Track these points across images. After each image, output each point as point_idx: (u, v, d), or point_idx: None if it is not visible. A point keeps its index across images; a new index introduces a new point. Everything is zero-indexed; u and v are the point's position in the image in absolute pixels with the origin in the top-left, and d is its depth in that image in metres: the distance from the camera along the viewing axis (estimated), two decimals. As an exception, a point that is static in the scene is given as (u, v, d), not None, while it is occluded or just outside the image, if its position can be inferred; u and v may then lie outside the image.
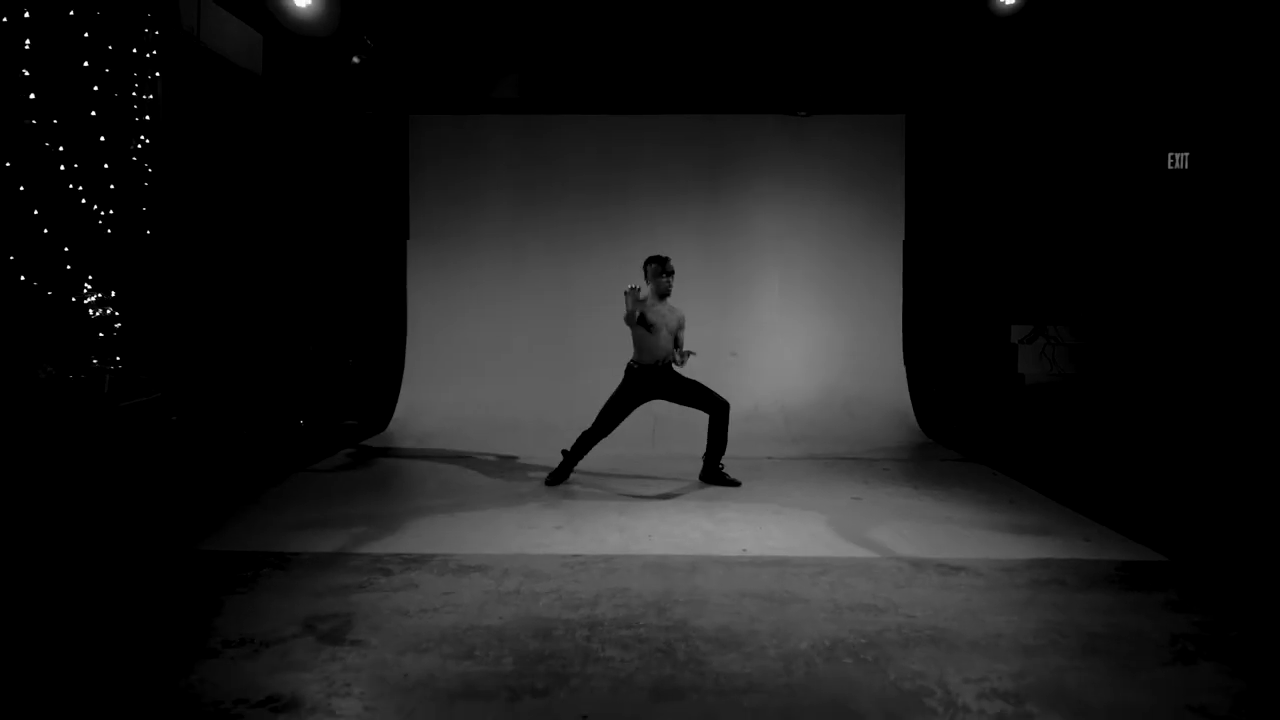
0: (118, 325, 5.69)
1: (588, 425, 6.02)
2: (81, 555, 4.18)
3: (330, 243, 8.91)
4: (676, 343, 5.96)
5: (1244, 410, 7.41)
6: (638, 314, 5.68)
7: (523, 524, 4.89)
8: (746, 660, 3.01)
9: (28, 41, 4.98)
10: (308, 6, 7.50)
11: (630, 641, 3.16)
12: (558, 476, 5.99)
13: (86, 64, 5.50)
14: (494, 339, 8.85)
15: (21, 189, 5.00)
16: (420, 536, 4.63)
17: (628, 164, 8.93)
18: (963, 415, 8.73)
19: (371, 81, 8.53)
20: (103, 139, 5.67)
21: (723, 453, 6.08)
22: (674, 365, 5.91)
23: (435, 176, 8.97)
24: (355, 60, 8.02)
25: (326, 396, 8.83)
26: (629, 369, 5.97)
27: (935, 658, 3.03)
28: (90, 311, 5.55)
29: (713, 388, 6.10)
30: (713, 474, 6.06)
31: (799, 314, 8.90)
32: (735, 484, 5.98)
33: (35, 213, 5.08)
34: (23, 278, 5.05)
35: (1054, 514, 5.18)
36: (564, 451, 6.02)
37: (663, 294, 5.95)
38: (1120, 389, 8.46)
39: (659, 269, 5.94)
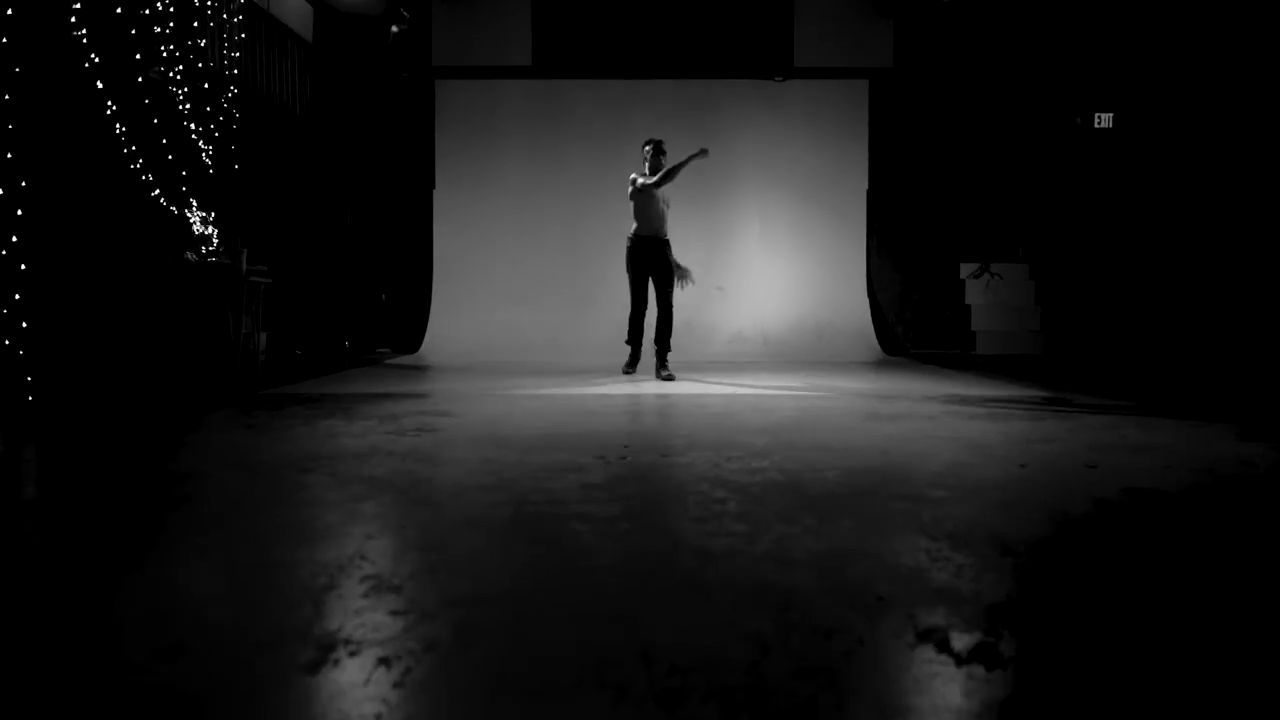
0: (216, 236, 6.95)
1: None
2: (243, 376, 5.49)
3: (365, 190, 10.18)
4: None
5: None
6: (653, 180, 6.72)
7: (559, 386, 6.21)
8: (740, 420, 4.35)
9: (149, 10, 6.25)
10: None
11: (661, 412, 4.50)
12: (631, 364, 7.06)
13: (195, 25, 6.77)
14: (510, 275, 10.15)
15: (155, 121, 6.27)
16: (483, 387, 5.95)
17: (627, 121, 10.22)
18: (917, 337, 10.13)
19: (405, 48, 9.80)
20: (206, 85, 6.94)
21: (668, 350, 6.90)
22: (679, 281, 6.89)
23: (458, 133, 10.26)
24: (394, 29, 9.29)
25: (363, 325, 10.11)
26: (628, 243, 6.89)
27: (865, 419, 4.39)
28: (195, 227, 6.82)
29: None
30: (661, 366, 6.82)
31: (776, 253, 10.24)
32: (671, 378, 6.68)
33: (164, 141, 6.36)
34: (154, 194, 6.32)
35: (980, 381, 6.55)
36: (627, 342, 7.10)
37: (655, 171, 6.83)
38: (1050, 308, 9.89)
39: (656, 150, 6.86)
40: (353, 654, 1.44)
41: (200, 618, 1.67)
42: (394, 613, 1.62)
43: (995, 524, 2.28)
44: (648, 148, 6.94)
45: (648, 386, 6.19)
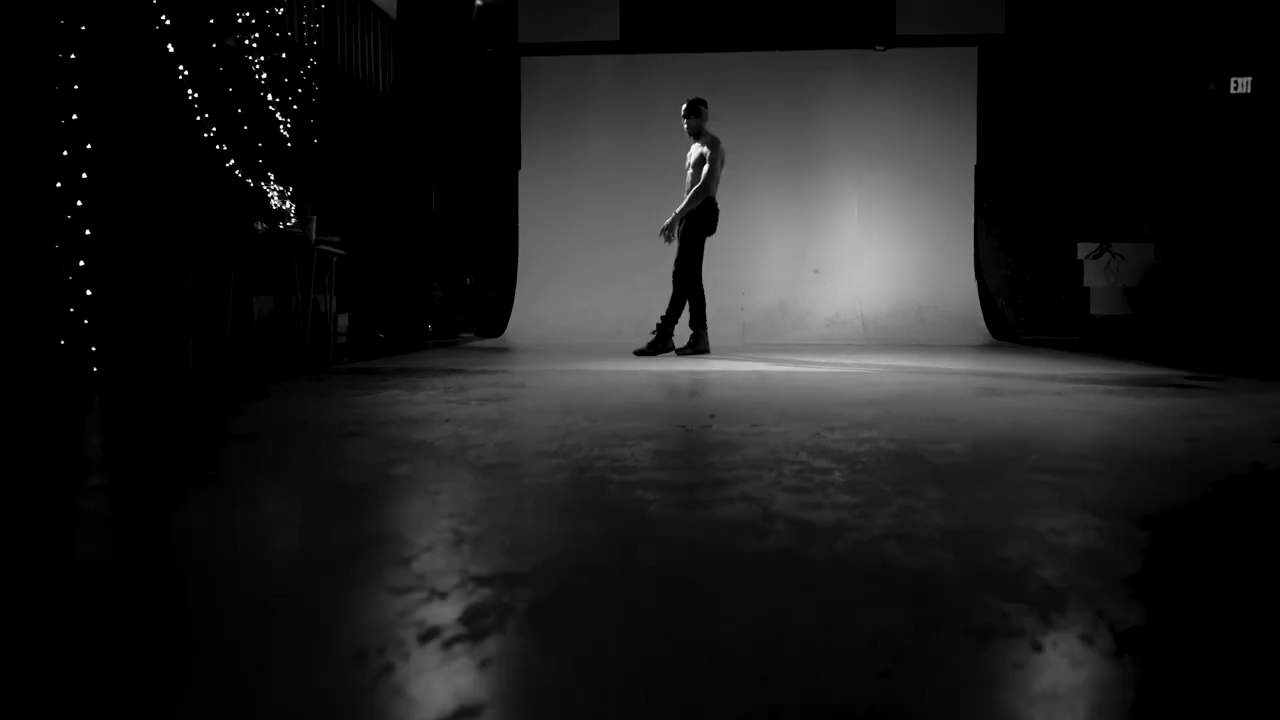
0: (294, 209, 6.75)
1: (683, 328, 6.71)
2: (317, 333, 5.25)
3: (450, 171, 9.95)
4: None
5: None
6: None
7: (644, 364, 5.82)
8: (841, 394, 3.87)
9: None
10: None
11: (754, 385, 4.06)
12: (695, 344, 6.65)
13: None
14: (596, 258, 9.77)
15: (230, 90, 6.10)
16: (562, 363, 5.60)
17: (717, 97, 9.71)
18: (1029, 321, 9.42)
19: (490, 23, 9.52)
20: (284, 56, 6.75)
21: (673, 323, 6.53)
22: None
23: (544, 111, 9.93)
24: (478, 3, 9.02)
25: (447, 309, 9.89)
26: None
27: (982, 394, 3.86)
28: (273, 201, 6.64)
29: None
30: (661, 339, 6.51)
31: (876, 233, 9.64)
32: (702, 351, 6.55)
33: (239, 111, 6.19)
34: (228, 164, 6.16)
35: (1106, 362, 5.92)
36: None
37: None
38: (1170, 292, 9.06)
39: (690, 111, 6.89)
40: (324, 644, 1.05)
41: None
42: (393, 590, 1.23)
43: (1180, 499, 1.78)
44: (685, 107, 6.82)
45: (739, 364, 5.74)
